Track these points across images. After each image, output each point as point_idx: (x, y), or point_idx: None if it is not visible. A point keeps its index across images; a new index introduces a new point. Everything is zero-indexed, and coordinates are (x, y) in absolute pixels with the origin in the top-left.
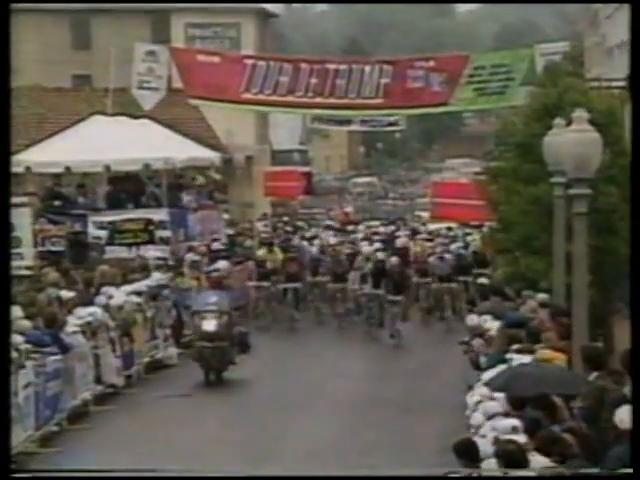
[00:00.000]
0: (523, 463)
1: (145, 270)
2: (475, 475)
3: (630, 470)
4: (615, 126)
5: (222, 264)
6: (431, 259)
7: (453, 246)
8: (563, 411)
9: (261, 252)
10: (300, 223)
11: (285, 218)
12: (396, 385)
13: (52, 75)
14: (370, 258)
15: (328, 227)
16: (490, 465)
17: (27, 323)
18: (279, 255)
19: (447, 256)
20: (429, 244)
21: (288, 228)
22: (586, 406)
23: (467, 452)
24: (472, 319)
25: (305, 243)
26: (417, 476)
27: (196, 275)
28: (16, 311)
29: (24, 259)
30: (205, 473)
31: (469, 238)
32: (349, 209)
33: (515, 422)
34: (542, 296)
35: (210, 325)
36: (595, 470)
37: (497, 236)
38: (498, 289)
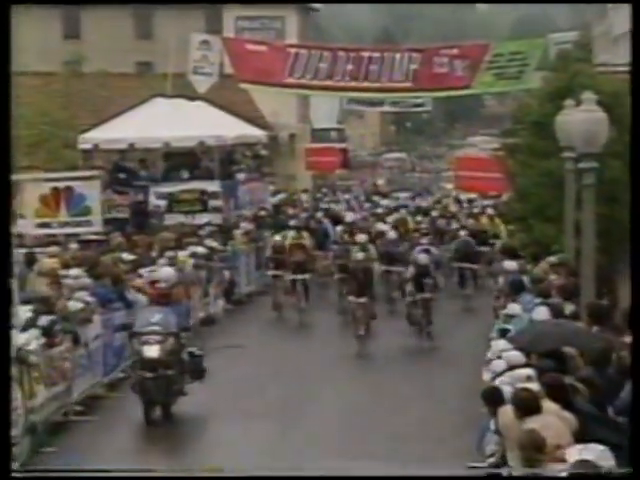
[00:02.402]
0: (536, 409)
1: (199, 236)
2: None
3: (630, 470)
4: (620, 107)
5: (167, 272)
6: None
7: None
8: (578, 362)
9: (278, 237)
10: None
11: (324, 190)
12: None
13: (118, 62)
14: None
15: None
16: (507, 411)
17: (89, 280)
18: (308, 239)
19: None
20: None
21: (327, 199)
22: (594, 357)
23: (493, 398)
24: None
25: (327, 221)
26: (418, 476)
27: (247, 242)
28: (78, 271)
29: (93, 225)
30: (205, 473)
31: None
32: (380, 181)
33: (530, 372)
34: (553, 259)
35: (152, 351)
36: (594, 471)
37: (514, 205)
38: (514, 251)
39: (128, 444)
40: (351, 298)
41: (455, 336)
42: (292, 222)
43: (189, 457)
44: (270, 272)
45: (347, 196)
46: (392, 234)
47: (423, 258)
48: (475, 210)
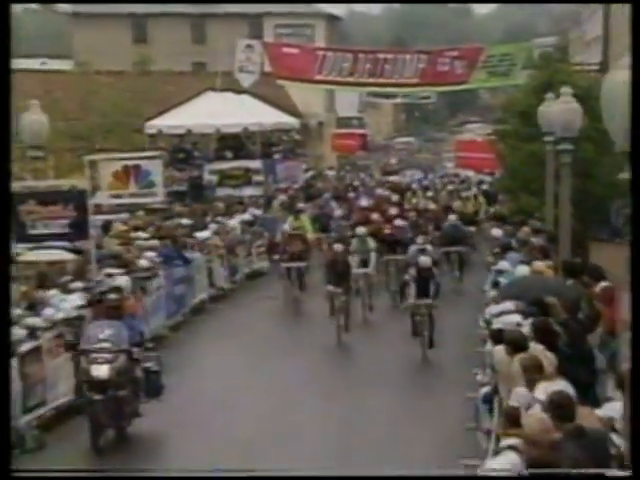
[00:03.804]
0: (524, 348)
1: (244, 205)
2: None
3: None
4: (592, 99)
5: (122, 281)
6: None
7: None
8: (557, 309)
9: (289, 221)
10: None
11: (347, 167)
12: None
13: (177, 62)
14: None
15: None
16: (500, 350)
17: (154, 242)
18: (308, 226)
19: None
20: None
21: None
22: (568, 304)
23: (498, 338)
24: (497, 232)
25: (334, 203)
26: (417, 476)
27: (283, 210)
28: (142, 236)
29: (157, 196)
30: (205, 473)
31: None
32: (392, 161)
33: (519, 317)
34: (534, 222)
35: (101, 371)
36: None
37: (504, 181)
38: (504, 218)
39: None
40: (329, 287)
41: (446, 318)
42: (301, 206)
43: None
44: (277, 257)
45: (362, 175)
46: (400, 222)
47: (426, 260)
48: (463, 194)
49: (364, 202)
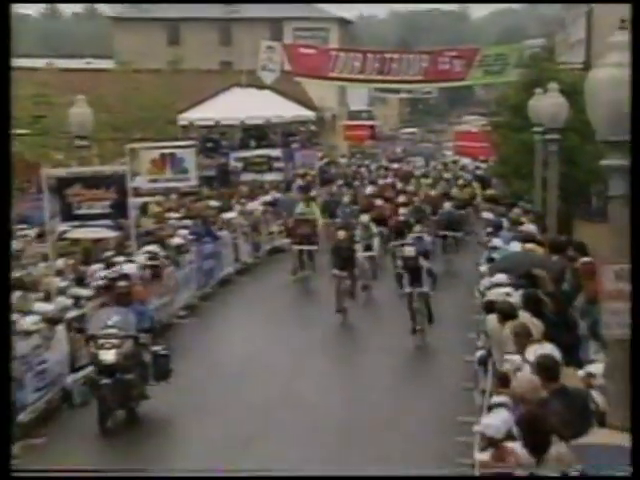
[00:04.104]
0: (513, 316)
1: (266, 189)
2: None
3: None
4: (576, 94)
5: (129, 269)
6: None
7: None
8: (545, 281)
9: (300, 207)
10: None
11: (358, 155)
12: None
13: (206, 62)
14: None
15: (371, 182)
16: (492, 318)
17: (186, 221)
18: (317, 212)
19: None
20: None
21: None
22: (553, 276)
23: (490, 308)
24: (488, 214)
25: (335, 189)
26: (417, 476)
27: (300, 193)
28: (175, 216)
29: (190, 181)
30: (205, 473)
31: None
32: (398, 149)
33: (509, 289)
34: (524, 204)
35: (109, 355)
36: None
37: (497, 167)
38: (496, 200)
39: (213, 336)
40: (335, 271)
41: (445, 293)
42: (313, 193)
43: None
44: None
45: (367, 162)
46: (402, 210)
47: (410, 251)
48: (460, 182)
49: (369, 189)
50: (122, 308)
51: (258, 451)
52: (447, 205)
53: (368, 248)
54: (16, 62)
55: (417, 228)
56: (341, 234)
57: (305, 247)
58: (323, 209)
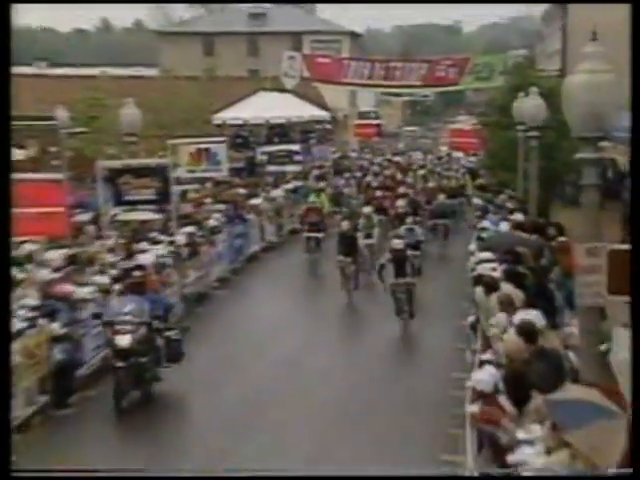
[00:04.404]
0: (496, 288)
1: (287, 179)
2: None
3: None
4: (553, 96)
5: (145, 260)
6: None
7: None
8: (527, 257)
9: (311, 197)
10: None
11: (366, 149)
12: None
13: (237, 70)
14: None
15: (374, 173)
16: (479, 290)
17: (220, 206)
18: (325, 202)
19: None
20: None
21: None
22: (533, 253)
23: (477, 281)
24: (478, 201)
25: (342, 182)
26: (416, 476)
27: (316, 182)
28: (210, 201)
29: (222, 172)
30: (205, 473)
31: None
32: (400, 145)
33: (495, 264)
34: (508, 191)
35: (124, 340)
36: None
37: (486, 160)
38: (485, 188)
39: (242, 304)
40: (339, 257)
41: (438, 274)
42: (321, 185)
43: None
44: (305, 229)
45: (368, 156)
46: (400, 202)
47: (398, 243)
48: (451, 173)
49: (371, 180)
50: (137, 296)
51: (271, 417)
52: (441, 196)
53: (368, 236)
54: (75, 71)
55: (409, 220)
56: (345, 224)
57: (313, 234)
58: (331, 200)
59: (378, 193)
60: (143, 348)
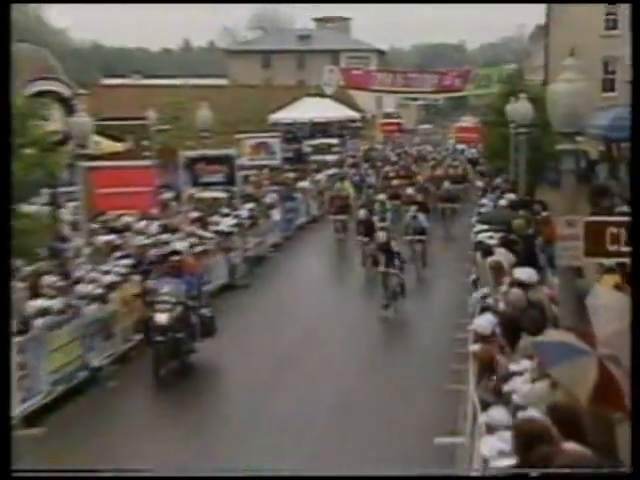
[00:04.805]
0: (491, 253)
1: (328, 166)
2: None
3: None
4: (538, 101)
5: (181, 246)
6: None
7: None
8: (518, 227)
9: (336, 185)
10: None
11: (389, 143)
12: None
13: (288, 80)
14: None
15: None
16: (477, 255)
17: (275, 187)
18: (349, 189)
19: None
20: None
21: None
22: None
23: (477, 247)
24: (479, 183)
25: (362, 171)
26: (416, 476)
27: (350, 168)
28: (267, 183)
29: (276, 160)
30: (205, 473)
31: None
32: (417, 139)
33: (492, 234)
34: (503, 176)
35: (162, 318)
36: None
37: (485, 151)
38: (484, 174)
39: (291, 263)
40: (359, 238)
41: (444, 248)
42: (352, 172)
43: None
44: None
45: (387, 147)
46: (410, 190)
47: (382, 236)
48: (455, 163)
49: (391, 172)
50: (174, 279)
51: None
52: (446, 183)
53: (382, 220)
54: (162, 82)
55: (413, 208)
56: (361, 212)
57: (339, 217)
58: (354, 187)
59: (394, 182)
60: (179, 325)
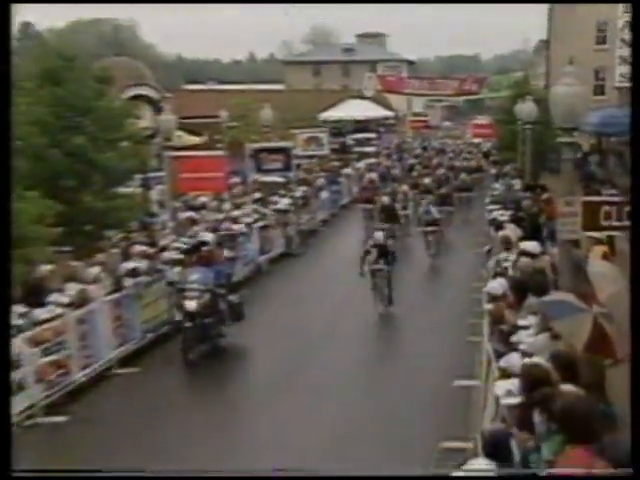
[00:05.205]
0: (502, 227)
1: (368, 155)
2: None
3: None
4: (540, 102)
5: (209, 237)
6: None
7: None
8: (527, 206)
9: (366, 176)
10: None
11: (418, 137)
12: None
13: (334, 85)
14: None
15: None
16: (492, 230)
17: (323, 173)
18: (376, 180)
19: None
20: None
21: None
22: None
23: (490, 223)
24: (492, 171)
25: (389, 163)
26: (417, 476)
27: (385, 158)
28: (317, 169)
29: (325, 151)
30: (205, 473)
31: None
32: (440, 134)
33: (502, 212)
34: (512, 164)
35: (191, 305)
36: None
37: (497, 144)
38: (497, 162)
39: (336, 236)
40: (378, 224)
41: (462, 227)
42: (385, 162)
43: None
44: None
45: (410, 140)
46: (427, 180)
47: (379, 236)
48: (468, 156)
49: (417, 165)
50: (203, 268)
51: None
52: (463, 174)
53: (404, 208)
54: (232, 87)
55: (425, 201)
56: (385, 199)
57: (366, 205)
58: (380, 178)
59: (414, 173)
60: (207, 311)
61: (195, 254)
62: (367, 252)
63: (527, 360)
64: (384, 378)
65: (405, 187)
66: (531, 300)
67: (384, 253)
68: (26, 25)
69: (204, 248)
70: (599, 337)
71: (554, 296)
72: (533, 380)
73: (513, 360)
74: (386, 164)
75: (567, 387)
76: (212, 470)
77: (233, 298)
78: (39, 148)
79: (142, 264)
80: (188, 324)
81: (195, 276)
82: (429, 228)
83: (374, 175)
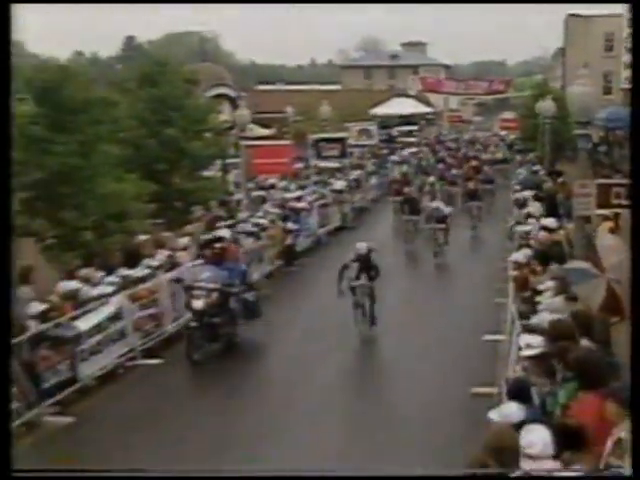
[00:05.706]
0: (525, 205)
1: (409, 145)
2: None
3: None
4: (558, 101)
5: (225, 233)
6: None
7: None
8: (548, 187)
9: (396, 170)
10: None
11: (454, 130)
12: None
13: (383, 86)
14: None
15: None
16: (516, 208)
17: (373, 160)
18: (407, 172)
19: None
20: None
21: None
22: (547, 186)
23: (515, 203)
24: (518, 157)
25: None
26: (417, 476)
27: (425, 149)
28: (367, 156)
29: (374, 141)
30: (205, 473)
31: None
32: (472, 127)
33: (526, 193)
34: (534, 152)
35: (198, 304)
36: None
37: (520, 136)
38: (521, 151)
39: (384, 213)
40: (404, 217)
41: (491, 204)
42: (423, 144)
43: None
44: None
45: (452, 135)
46: (454, 171)
47: (361, 246)
48: (494, 149)
49: (448, 158)
50: (213, 266)
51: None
52: (485, 168)
53: (433, 199)
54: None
55: (435, 202)
56: (407, 190)
57: (396, 198)
58: (412, 170)
59: (440, 165)
60: (215, 310)
61: (209, 250)
62: (345, 267)
63: (554, 316)
64: (426, 324)
65: (432, 179)
66: (553, 267)
67: (366, 267)
68: (130, 38)
69: (217, 245)
70: (612, 299)
71: (573, 264)
72: (559, 334)
73: (543, 318)
74: (425, 153)
75: (584, 341)
76: (211, 470)
77: (248, 296)
78: (138, 138)
79: (223, 232)
80: (194, 323)
81: (205, 274)
82: (438, 225)
83: (405, 168)
